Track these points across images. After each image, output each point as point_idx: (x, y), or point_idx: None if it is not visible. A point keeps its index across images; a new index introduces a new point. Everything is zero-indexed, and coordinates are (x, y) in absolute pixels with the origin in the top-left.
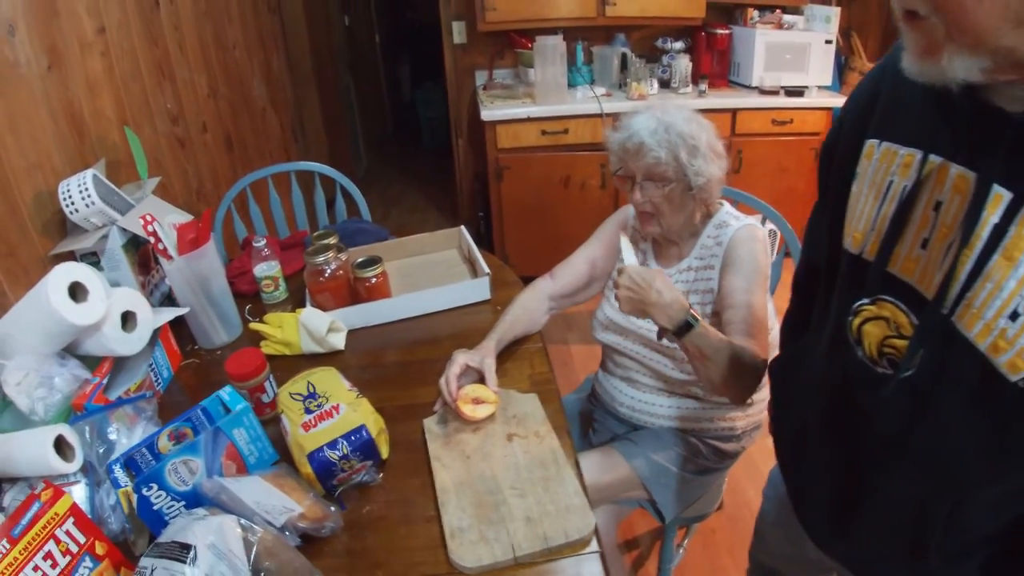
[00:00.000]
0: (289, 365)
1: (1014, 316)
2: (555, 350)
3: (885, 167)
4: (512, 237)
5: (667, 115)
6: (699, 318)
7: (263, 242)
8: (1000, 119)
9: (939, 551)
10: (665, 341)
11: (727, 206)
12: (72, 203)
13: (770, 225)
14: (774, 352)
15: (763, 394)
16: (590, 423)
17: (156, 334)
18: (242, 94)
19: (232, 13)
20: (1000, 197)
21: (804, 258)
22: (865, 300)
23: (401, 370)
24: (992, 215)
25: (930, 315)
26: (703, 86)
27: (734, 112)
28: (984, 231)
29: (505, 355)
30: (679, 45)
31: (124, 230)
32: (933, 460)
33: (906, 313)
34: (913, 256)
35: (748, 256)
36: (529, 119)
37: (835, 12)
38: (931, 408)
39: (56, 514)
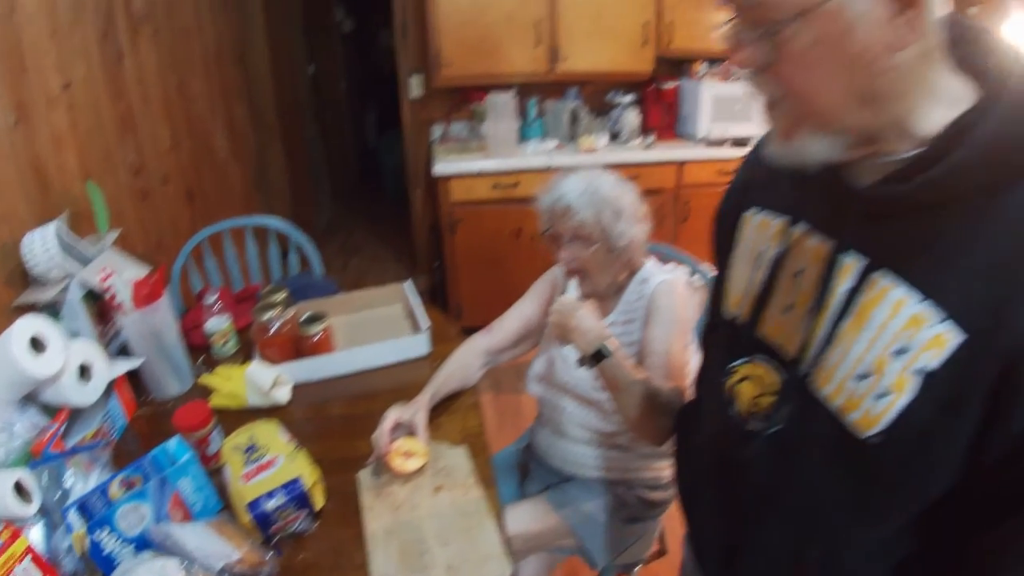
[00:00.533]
0: (236, 417)
1: (861, 377)
2: (507, 400)
3: (760, 236)
4: (466, 288)
5: (594, 179)
6: (613, 350)
7: (214, 297)
8: (851, 192)
9: None
10: (583, 369)
11: (650, 262)
12: (34, 256)
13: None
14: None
15: None
16: (527, 473)
17: (112, 384)
18: (204, 146)
19: (196, 65)
20: (850, 266)
21: (706, 318)
22: (739, 361)
23: (342, 423)
24: (843, 282)
25: (791, 375)
26: (650, 139)
27: (681, 164)
28: (836, 297)
29: (440, 409)
30: (628, 98)
31: (83, 282)
32: (802, 511)
33: (774, 373)
34: (779, 320)
35: (666, 308)
36: (481, 173)
37: None
38: (796, 462)
39: (14, 554)
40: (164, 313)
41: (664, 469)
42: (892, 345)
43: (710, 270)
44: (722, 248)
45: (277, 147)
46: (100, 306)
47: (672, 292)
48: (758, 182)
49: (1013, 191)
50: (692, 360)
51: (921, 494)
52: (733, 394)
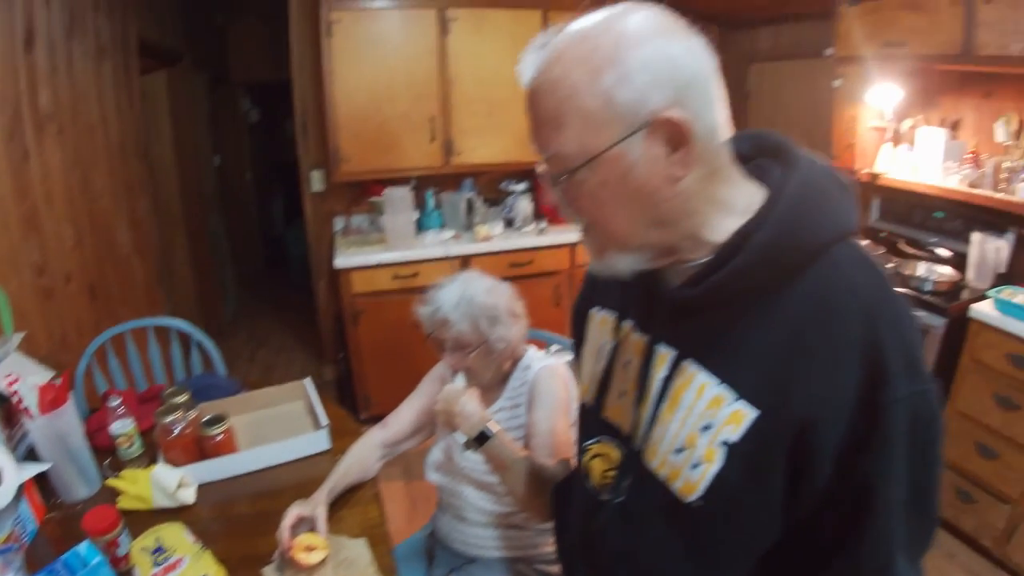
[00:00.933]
0: (143, 519)
1: (678, 451)
2: (419, 486)
3: (601, 331)
4: (372, 378)
5: (468, 289)
6: (496, 432)
7: (118, 400)
8: (659, 294)
9: None
10: (470, 452)
11: (531, 350)
12: None
13: None
14: None
15: None
16: (432, 559)
17: (21, 488)
18: (107, 242)
19: (100, 161)
20: (664, 356)
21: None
22: (591, 440)
23: (248, 521)
24: (660, 371)
25: (628, 452)
26: (543, 224)
27: (573, 246)
28: (655, 384)
29: (340, 503)
30: (521, 187)
31: None
32: (651, 571)
33: (616, 450)
34: (616, 404)
35: (547, 391)
36: (380, 265)
37: None
38: (640, 528)
39: None
40: (70, 417)
41: (549, 545)
42: (700, 422)
43: None
44: (577, 342)
45: (181, 239)
46: (6, 409)
47: (553, 376)
48: (600, 283)
49: (787, 285)
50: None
51: (747, 548)
52: (587, 469)
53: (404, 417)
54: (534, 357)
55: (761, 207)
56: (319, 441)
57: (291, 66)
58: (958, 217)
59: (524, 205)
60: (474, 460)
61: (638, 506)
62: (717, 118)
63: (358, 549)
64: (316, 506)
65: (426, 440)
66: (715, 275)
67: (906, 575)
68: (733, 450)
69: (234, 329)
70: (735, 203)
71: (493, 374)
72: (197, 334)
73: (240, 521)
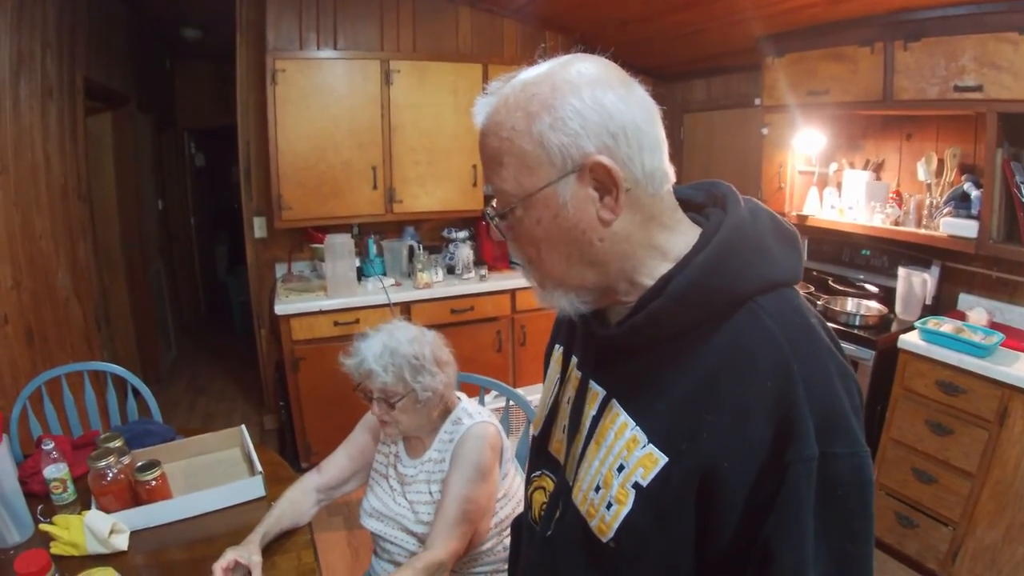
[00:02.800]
0: (77, 565)
1: (596, 489)
2: (360, 535)
3: (556, 367)
4: (312, 425)
5: (392, 340)
6: None
7: (51, 445)
8: (592, 334)
9: None
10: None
11: (464, 401)
12: None
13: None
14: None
15: None
16: None
17: None
18: (46, 285)
19: (41, 202)
20: (596, 395)
21: None
22: (536, 472)
23: (182, 569)
24: (591, 409)
25: (561, 486)
26: (484, 270)
27: (514, 292)
28: (587, 421)
29: (275, 547)
30: (463, 234)
31: None
32: None
33: (553, 482)
34: (559, 438)
35: (471, 453)
36: (321, 312)
37: None
38: (563, 562)
39: None
40: (3, 461)
41: None
42: (616, 463)
43: (525, 393)
44: (544, 378)
45: (121, 284)
46: None
47: (481, 437)
48: (563, 322)
49: (707, 333)
50: (514, 490)
51: None
52: (530, 501)
53: (339, 462)
54: (467, 410)
55: (687, 253)
56: (254, 488)
57: (236, 112)
58: (884, 254)
59: (465, 252)
60: (403, 507)
61: (563, 541)
62: (652, 165)
63: None
64: (251, 553)
65: (361, 486)
66: (632, 318)
67: None
68: (642, 493)
69: (173, 376)
70: (671, 249)
71: (421, 424)
72: (133, 379)
73: (173, 568)
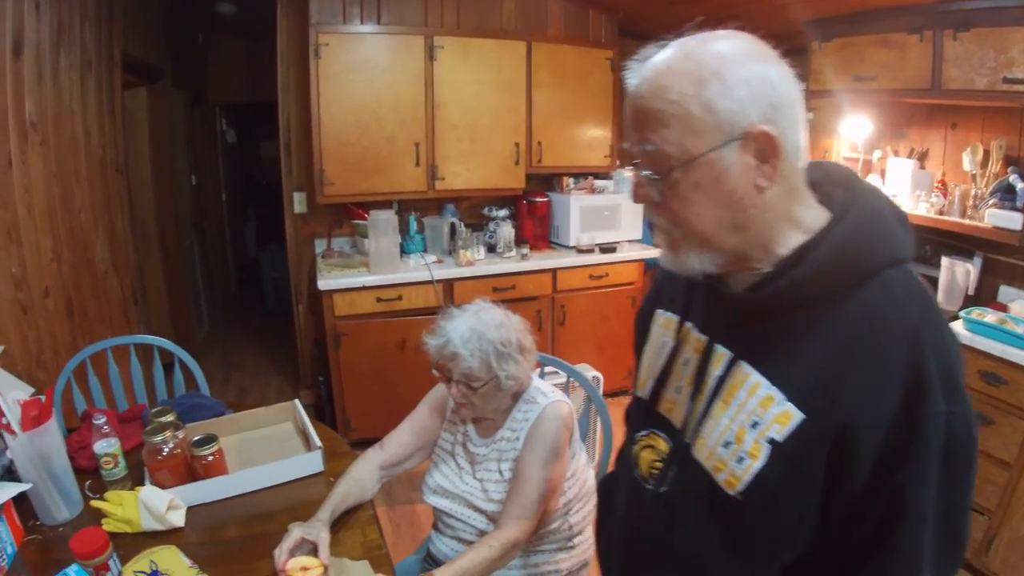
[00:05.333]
0: (130, 542)
1: (725, 445)
2: (402, 511)
3: (663, 331)
4: (352, 401)
5: (479, 323)
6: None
7: (103, 419)
8: (720, 298)
9: None
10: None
11: (535, 381)
12: None
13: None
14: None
15: (585, 535)
16: None
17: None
18: (85, 258)
19: (81, 175)
20: (722, 356)
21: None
22: (642, 432)
23: (239, 545)
24: (716, 370)
25: (677, 444)
26: (525, 249)
27: (554, 271)
28: (711, 381)
29: (339, 524)
30: (503, 212)
31: None
32: (686, 558)
33: (666, 443)
34: (671, 399)
35: (547, 432)
36: (364, 287)
37: None
38: (680, 516)
39: None
40: (53, 436)
41: (561, 561)
42: (749, 419)
43: (584, 370)
44: (639, 341)
45: (156, 258)
46: None
47: (557, 416)
48: (666, 288)
49: (841, 301)
50: (580, 470)
51: (780, 545)
52: (636, 460)
53: (402, 439)
54: (540, 389)
55: (824, 227)
56: (312, 463)
57: (276, 87)
58: (927, 243)
59: (507, 230)
60: (472, 485)
61: (680, 496)
62: (800, 141)
63: (360, 572)
64: (319, 530)
65: (423, 462)
66: (775, 283)
67: None
68: (777, 448)
69: (206, 351)
70: (804, 222)
71: (496, 407)
72: (181, 353)
73: (232, 544)
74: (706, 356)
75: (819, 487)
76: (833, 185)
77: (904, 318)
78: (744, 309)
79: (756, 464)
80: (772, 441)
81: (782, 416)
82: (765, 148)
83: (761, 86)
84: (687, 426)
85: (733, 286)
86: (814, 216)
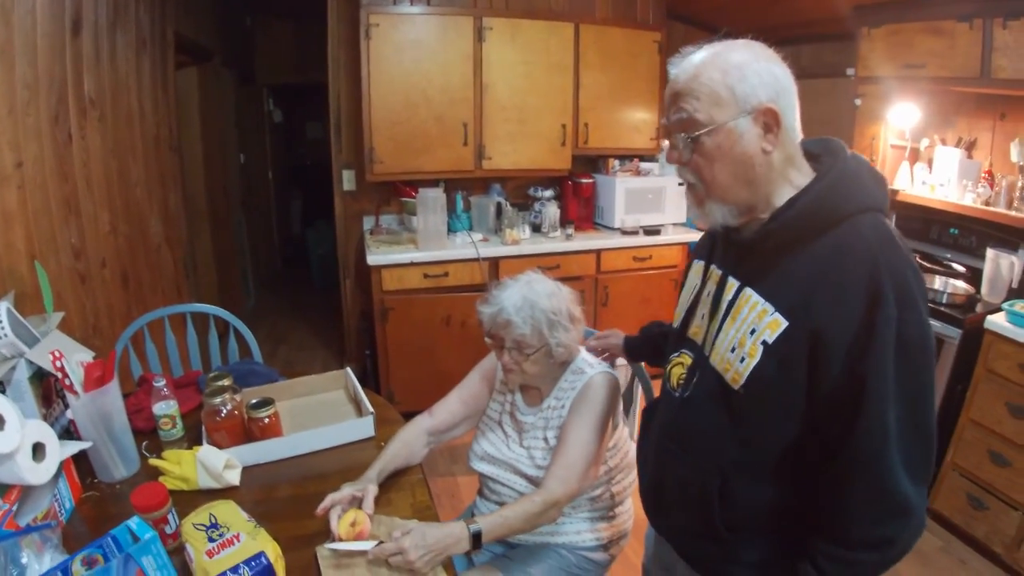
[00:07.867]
0: (187, 499)
1: (733, 350)
2: (442, 482)
3: (694, 275)
4: (398, 374)
5: (532, 292)
6: (479, 523)
7: (163, 382)
8: (735, 242)
9: (723, 524)
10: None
11: (582, 352)
12: None
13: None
14: (592, 483)
15: (626, 505)
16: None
17: (60, 466)
18: (140, 231)
19: (137, 151)
20: (732, 285)
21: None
22: (675, 353)
23: (293, 504)
24: (728, 295)
25: (699, 356)
26: (570, 230)
27: (599, 252)
28: (724, 305)
29: (389, 485)
30: (549, 193)
31: (31, 363)
32: (704, 451)
33: (691, 358)
34: (697, 324)
35: (594, 401)
36: (412, 264)
37: None
38: (699, 414)
39: None
40: (114, 397)
41: (603, 530)
42: (749, 328)
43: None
44: (681, 286)
45: (206, 233)
46: (44, 387)
47: (604, 385)
48: (702, 244)
49: (820, 238)
50: (622, 441)
51: (774, 430)
52: (669, 375)
53: (451, 407)
54: (587, 360)
55: (808, 184)
56: (364, 427)
57: (323, 68)
58: (972, 234)
59: (552, 211)
60: (519, 453)
61: (700, 396)
62: (795, 120)
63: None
64: (367, 484)
65: (469, 431)
66: (768, 225)
67: (906, 488)
68: (768, 348)
69: (253, 325)
70: (796, 181)
71: (546, 373)
72: (235, 321)
73: (286, 503)
74: (721, 286)
75: (803, 380)
76: (827, 154)
77: (867, 248)
78: (748, 247)
79: (753, 362)
80: (765, 343)
81: (773, 323)
82: (770, 121)
83: (768, 77)
84: (706, 341)
85: (744, 234)
86: (805, 177)
